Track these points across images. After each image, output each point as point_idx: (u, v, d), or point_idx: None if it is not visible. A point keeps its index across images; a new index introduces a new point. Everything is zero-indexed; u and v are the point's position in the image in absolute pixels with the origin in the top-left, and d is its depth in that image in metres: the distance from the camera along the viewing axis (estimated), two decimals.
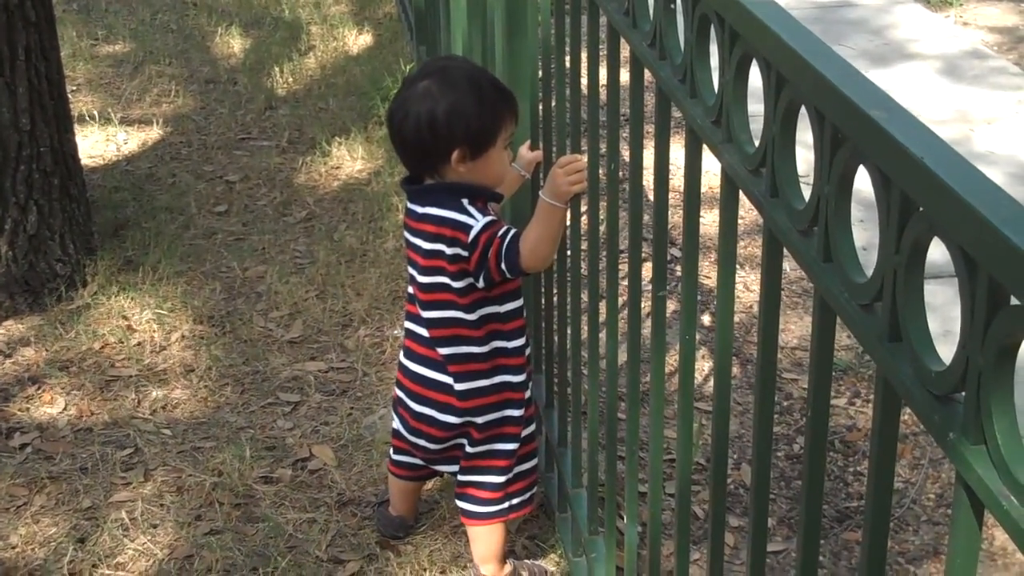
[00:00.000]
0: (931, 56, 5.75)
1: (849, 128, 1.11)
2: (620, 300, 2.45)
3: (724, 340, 1.59)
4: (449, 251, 2.29)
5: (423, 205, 2.32)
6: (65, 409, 3.23)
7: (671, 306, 2.87)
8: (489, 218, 2.29)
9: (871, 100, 1.08)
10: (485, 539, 2.57)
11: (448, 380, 2.41)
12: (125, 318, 3.61)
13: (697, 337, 3.47)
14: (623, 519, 2.55)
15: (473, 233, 2.26)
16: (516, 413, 2.47)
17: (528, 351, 2.48)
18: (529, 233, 2.31)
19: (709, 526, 1.69)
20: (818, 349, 1.26)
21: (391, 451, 2.65)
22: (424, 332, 2.42)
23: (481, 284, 2.31)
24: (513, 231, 2.29)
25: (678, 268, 3.60)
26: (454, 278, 2.32)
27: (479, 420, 2.44)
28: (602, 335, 2.32)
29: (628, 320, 2.09)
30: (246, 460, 2.99)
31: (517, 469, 2.52)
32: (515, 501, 2.54)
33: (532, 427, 2.54)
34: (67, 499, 2.89)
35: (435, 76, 2.29)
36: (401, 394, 2.51)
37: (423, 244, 2.33)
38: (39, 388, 3.31)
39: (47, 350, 3.46)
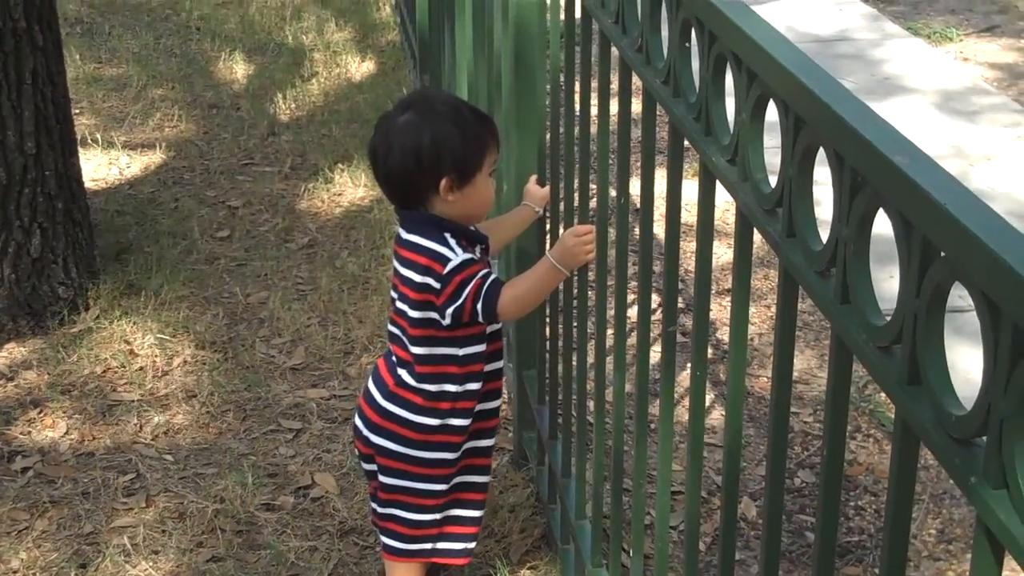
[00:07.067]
0: (930, 91, 5.78)
1: (870, 173, 1.13)
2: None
3: (736, 380, 1.59)
4: (419, 279, 2.26)
5: (409, 231, 2.29)
6: (67, 433, 3.22)
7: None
8: (468, 256, 2.24)
9: (893, 145, 1.10)
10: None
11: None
12: (127, 342, 3.61)
13: None
14: (626, 552, 2.56)
15: (449, 266, 2.22)
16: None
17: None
18: (520, 282, 2.31)
19: (717, 561, 1.70)
20: (834, 389, 1.27)
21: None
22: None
23: (447, 321, 2.26)
24: (494, 276, 2.27)
25: (679, 300, 3.60)
26: (413, 306, 2.29)
27: (385, 445, 2.39)
28: (609, 366, 2.33)
29: (636, 352, 2.10)
30: (248, 487, 2.99)
31: (452, 512, 2.46)
32: (441, 546, 2.48)
33: (481, 476, 2.48)
34: (68, 524, 2.88)
35: (414, 108, 2.28)
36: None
37: (414, 277, 2.28)
38: (41, 412, 3.31)
39: (49, 373, 3.46)
